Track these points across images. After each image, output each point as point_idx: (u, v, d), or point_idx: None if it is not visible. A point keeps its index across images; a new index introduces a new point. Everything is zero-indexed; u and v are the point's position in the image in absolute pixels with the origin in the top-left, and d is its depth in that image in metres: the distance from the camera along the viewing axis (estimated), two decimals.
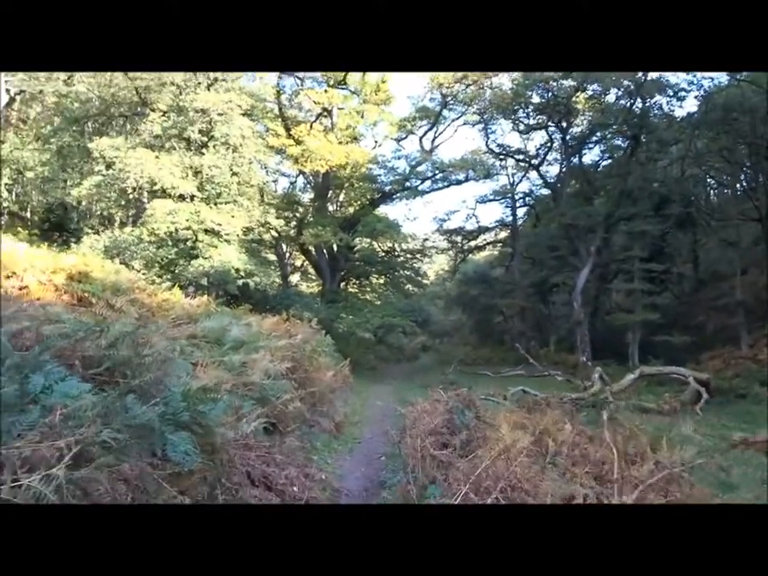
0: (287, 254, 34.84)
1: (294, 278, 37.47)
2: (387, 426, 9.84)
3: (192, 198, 16.84)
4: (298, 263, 37.90)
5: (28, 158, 19.84)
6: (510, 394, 13.95)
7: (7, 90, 19.92)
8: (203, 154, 17.21)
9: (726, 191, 40.03)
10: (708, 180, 37.62)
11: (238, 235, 18.37)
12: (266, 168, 19.18)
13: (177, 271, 17.09)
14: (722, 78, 25.69)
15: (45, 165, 20.19)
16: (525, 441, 4.81)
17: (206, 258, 16.70)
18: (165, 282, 16.26)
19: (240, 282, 17.78)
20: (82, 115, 20.47)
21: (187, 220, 16.19)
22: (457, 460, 4.83)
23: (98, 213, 17.16)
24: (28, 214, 23.99)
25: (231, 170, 17.36)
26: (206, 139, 17.74)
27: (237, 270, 17.60)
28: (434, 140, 27.38)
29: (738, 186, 34.18)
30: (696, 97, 26.35)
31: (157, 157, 16.39)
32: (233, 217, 17.18)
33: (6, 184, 19.96)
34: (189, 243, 17.94)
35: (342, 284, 29.59)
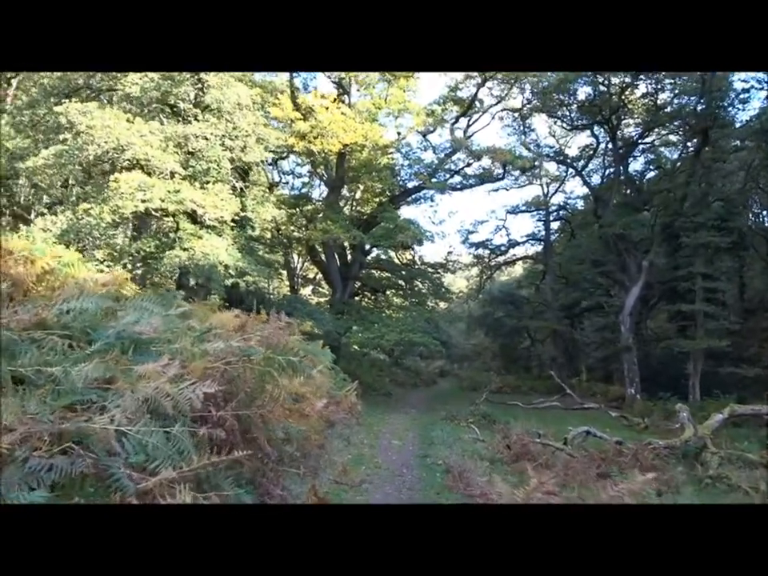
0: (298, 265, 31.59)
1: (306, 292, 34.08)
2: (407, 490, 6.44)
3: (172, 175, 13.52)
4: (311, 275, 34.61)
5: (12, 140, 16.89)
6: (571, 437, 10.38)
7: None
8: (190, 122, 13.99)
9: None
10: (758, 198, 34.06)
11: (231, 227, 15.12)
12: (266, 146, 15.72)
13: (151, 264, 13.85)
14: None
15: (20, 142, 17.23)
16: None
17: (184, 249, 13.35)
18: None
19: (229, 281, 14.43)
20: (62, 86, 17.53)
21: (162, 200, 12.78)
22: None
23: (59, 191, 14.01)
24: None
25: (223, 143, 14.05)
26: (197, 111, 14.58)
27: (226, 267, 14.27)
28: (467, 128, 23.80)
29: None
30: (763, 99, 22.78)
31: (129, 120, 13.15)
32: (222, 200, 13.78)
33: None
34: (172, 235, 14.70)
35: (356, 298, 26.10)
